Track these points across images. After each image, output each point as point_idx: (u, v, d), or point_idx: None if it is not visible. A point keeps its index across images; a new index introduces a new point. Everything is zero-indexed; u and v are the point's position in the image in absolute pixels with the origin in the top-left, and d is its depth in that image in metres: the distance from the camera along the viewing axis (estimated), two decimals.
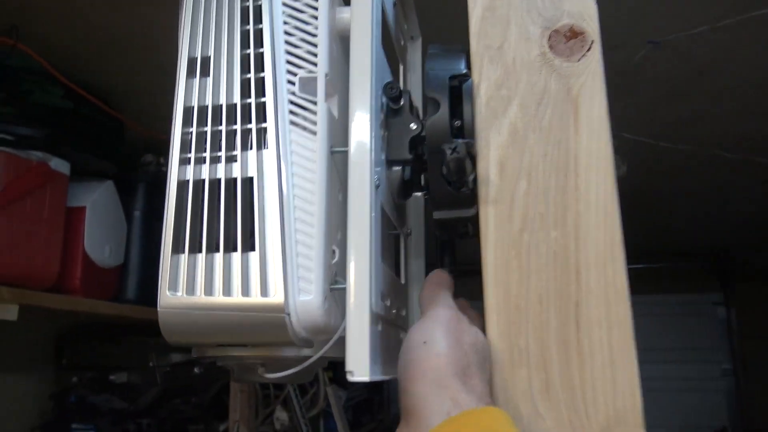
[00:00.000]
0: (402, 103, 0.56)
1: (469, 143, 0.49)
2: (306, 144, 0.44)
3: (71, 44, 1.34)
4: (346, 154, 0.45)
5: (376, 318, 0.46)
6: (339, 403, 2.09)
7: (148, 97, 1.46)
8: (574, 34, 0.54)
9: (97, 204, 1.46)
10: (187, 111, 0.44)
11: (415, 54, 0.72)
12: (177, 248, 0.42)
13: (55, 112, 1.40)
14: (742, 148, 1.77)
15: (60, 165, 1.37)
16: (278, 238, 0.41)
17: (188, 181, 0.42)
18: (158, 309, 0.40)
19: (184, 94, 0.44)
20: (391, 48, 0.65)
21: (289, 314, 0.40)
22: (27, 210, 1.28)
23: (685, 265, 3.31)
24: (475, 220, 0.54)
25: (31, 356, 1.52)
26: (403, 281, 0.62)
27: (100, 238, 1.44)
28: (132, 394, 1.44)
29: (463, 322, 0.47)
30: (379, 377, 0.44)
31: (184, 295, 0.40)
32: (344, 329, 0.42)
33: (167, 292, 0.41)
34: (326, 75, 0.45)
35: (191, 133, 0.43)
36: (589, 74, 0.53)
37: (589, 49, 0.53)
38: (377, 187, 0.49)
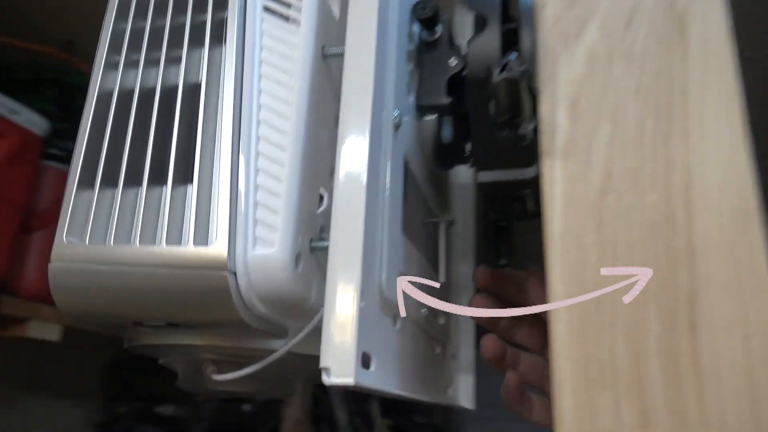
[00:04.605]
0: (439, 33, 0.42)
1: (527, 70, 0.35)
2: (284, 38, 0.30)
3: None
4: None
5: (387, 302, 0.31)
6: None
7: None
8: None
9: None
10: (124, 3, 0.32)
11: (464, 23, 0.59)
12: (86, 181, 0.29)
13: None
14: None
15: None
16: (227, 164, 0.27)
17: (113, 91, 0.30)
18: (49, 263, 0.27)
19: None
20: None
21: (234, 273, 0.26)
22: None
23: None
24: (535, 188, 0.39)
25: (78, 382, 1.44)
26: (442, 279, 0.47)
27: None
28: (178, 428, 1.32)
29: None
30: (378, 386, 0.28)
31: (87, 243, 0.27)
32: None
33: (64, 239, 0.27)
34: None
35: (125, 29, 0.31)
36: None
37: None
38: (396, 127, 0.35)
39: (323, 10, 0.32)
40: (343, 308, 0.25)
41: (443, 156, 0.44)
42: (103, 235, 0.28)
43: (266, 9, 0.31)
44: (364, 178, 0.27)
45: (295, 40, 0.30)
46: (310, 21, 0.31)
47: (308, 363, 0.32)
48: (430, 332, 0.42)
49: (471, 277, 0.52)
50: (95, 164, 0.29)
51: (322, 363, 0.26)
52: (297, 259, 0.28)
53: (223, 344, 0.30)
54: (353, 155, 0.28)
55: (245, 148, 0.28)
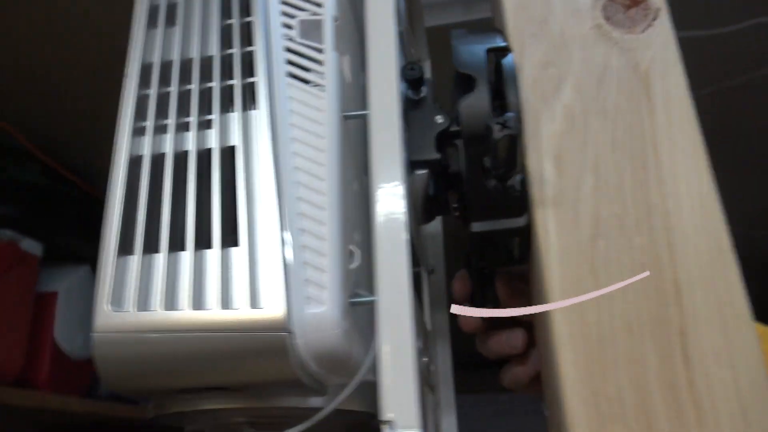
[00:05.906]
0: (424, 92, 0.45)
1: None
2: (310, 102, 0.32)
3: (50, 121, 1.26)
4: (361, 121, 0.33)
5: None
6: None
7: None
8: (633, 2, 0.44)
9: (72, 289, 1.32)
10: (146, 69, 0.32)
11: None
12: (125, 248, 0.29)
13: (29, 190, 1.29)
14: None
15: (32, 246, 1.25)
16: (275, 224, 0.28)
17: (142, 156, 0.30)
18: (93, 333, 0.27)
19: (141, 49, 0.32)
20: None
21: (292, 332, 0.27)
22: None
23: None
24: (523, 236, 0.42)
25: None
26: (429, 327, 0.48)
27: (73, 328, 1.29)
28: None
29: None
30: None
31: (134, 310, 0.27)
32: (372, 363, 0.29)
33: (106, 308, 0.27)
34: (335, 18, 0.34)
35: (149, 95, 0.31)
36: (659, 47, 0.42)
37: (654, 19, 0.43)
38: None
39: (340, 74, 0.34)
40: (402, 359, 0.27)
41: (430, 208, 0.46)
42: (146, 300, 0.28)
43: (290, 75, 0.32)
44: (403, 235, 0.29)
45: (320, 104, 0.32)
46: (333, 84, 0.33)
47: (343, 420, 0.33)
48: (428, 381, 0.43)
49: (445, 323, 0.53)
50: (132, 230, 0.29)
51: (384, 415, 0.26)
52: (345, 314, 0.29)
53: (260, 405, 0.30)
54: (390, 208, 0.30)
55: (287, 209, 0.29)
